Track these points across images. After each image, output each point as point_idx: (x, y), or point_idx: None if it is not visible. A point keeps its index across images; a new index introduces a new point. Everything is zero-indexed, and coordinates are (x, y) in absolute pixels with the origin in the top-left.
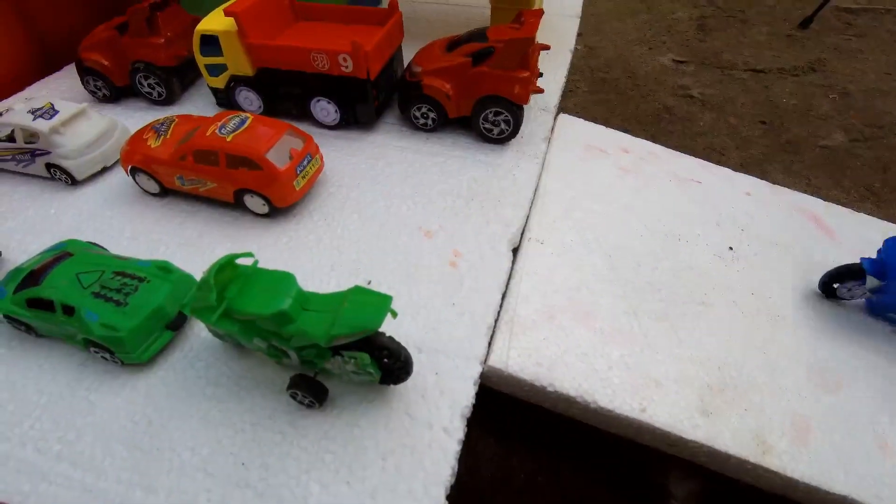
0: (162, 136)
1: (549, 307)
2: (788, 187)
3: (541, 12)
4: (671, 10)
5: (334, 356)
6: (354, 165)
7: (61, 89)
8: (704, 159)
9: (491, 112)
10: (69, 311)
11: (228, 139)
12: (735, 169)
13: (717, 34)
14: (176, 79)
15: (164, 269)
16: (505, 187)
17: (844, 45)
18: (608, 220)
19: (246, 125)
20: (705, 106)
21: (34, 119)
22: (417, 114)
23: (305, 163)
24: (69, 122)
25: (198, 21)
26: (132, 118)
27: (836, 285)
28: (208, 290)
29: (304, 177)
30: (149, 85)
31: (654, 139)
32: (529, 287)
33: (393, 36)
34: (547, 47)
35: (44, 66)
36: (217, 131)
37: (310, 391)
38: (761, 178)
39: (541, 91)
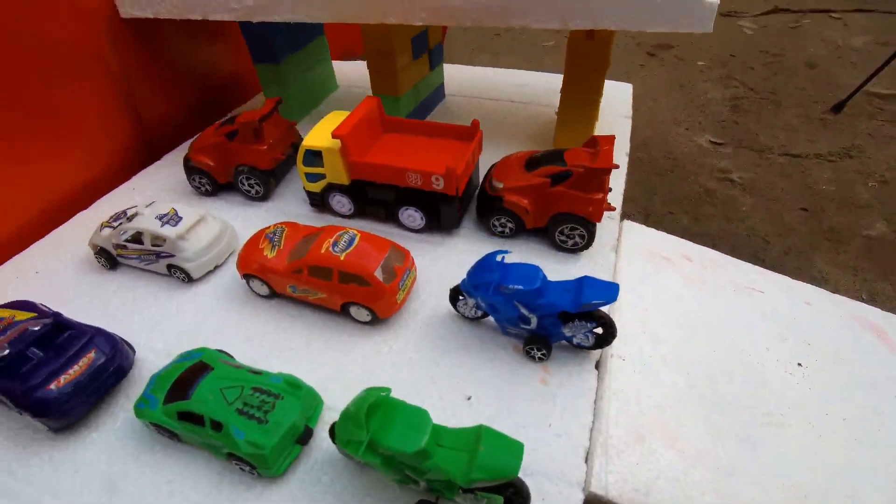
0: (276, 247)
1: (638, 428)
2: (837, 280)
3: (613, 139)
4: (704, 91)
5: (466, 492)
6: (441, 272)
7: (164, 180)
8: (748, 247)
9: (567, 227)
10: (217, 426)
11: (341, 257)
12: (780, 259)
13: (750, 116)
14: (273, 179)
15: (294, 385)
16: None
17: (878, 130)
18: (680, 334)
19: (355, 243)
20: (745, 190)
21: (162, 225)
22: (496, 223)
23: (405, 277)
24: (191, 228)
25: (293, 127)
26: (231, 212)
27: None
28: (359, 428)
29: (403, 290)
30: (249, 184)
31: (697, 223)
32: (617, 407)
33: (475, 153)
34: (616, 166)
35: (146, 156)
36: (330, 248)
37: None
38: (812, 275)
39: (613, 209)
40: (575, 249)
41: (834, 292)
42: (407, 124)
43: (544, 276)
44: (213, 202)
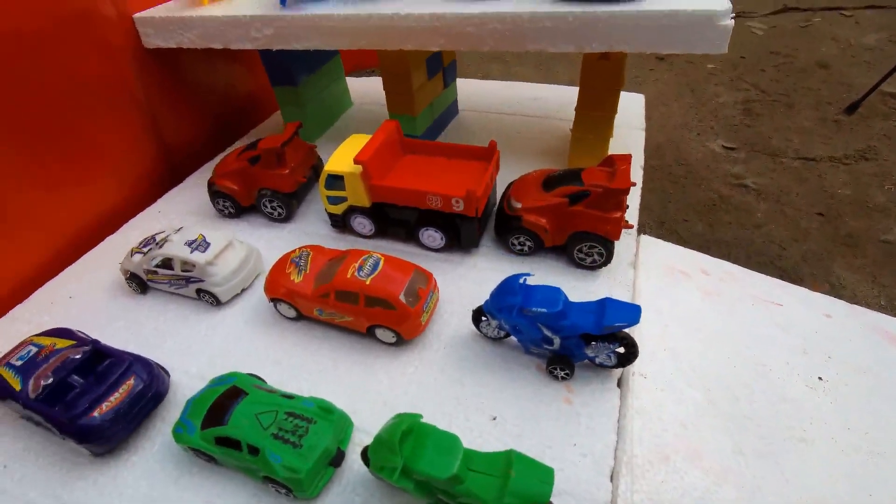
0: (302, 271)
1: (662, 447)
2: (855, 287)
3: (630, 158)
4: (715, 94)
5: None
6: (462, 291)
7: (188, 203)
8: (765, 254)
9: (585, 245)
10: (254, 451)
11: (367, 282)
12: (797, 265)
13: (763, 119)
14: (294, 201)
15: (326, 409)
16: None
17: (894, 131)
18: (700, 348)
19: (380, 268)
20: (760, 196)
21: (191, 252)
22: (515, 242)
23: (429, 299)
24: (219, 253)
25: (312, 150)
26: (254, 234)
27: None
28: (393, 454)
29: (427, 312)
30: (272, 207)
31: (712, 229)
32: (641, 426)
33: (493, 173)
34: (633, 184)
35: (169, 179)
36: (356, 273)
37: None
38: (829, 282)
39: (630, 227)
40: (594, 267)
41: (852, 299)
42: (425, 146)
43: (566, 298)
44: (237, 224)
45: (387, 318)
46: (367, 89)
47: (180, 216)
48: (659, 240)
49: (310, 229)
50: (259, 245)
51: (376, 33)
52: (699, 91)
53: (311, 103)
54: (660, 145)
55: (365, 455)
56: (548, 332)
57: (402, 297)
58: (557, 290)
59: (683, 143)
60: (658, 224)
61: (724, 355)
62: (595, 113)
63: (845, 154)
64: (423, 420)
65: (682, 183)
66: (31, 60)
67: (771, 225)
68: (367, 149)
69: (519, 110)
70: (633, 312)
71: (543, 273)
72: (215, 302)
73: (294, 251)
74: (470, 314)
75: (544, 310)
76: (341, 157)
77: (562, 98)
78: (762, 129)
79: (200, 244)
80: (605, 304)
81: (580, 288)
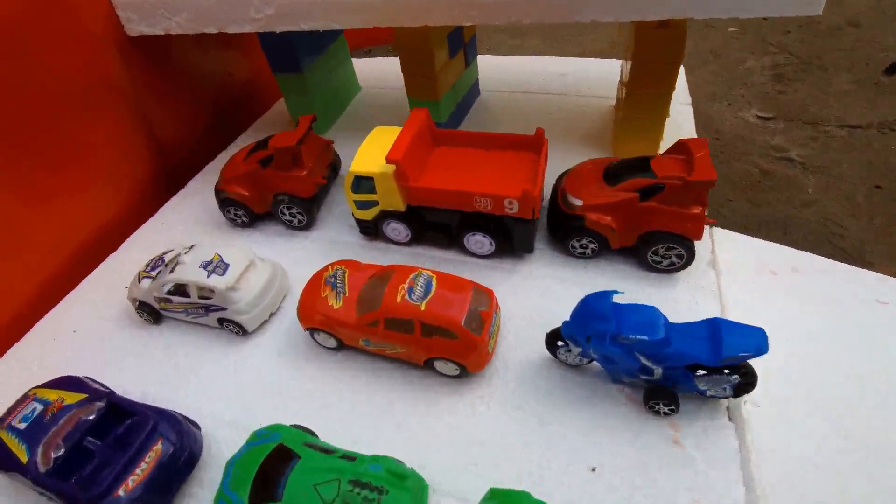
0: (340, 294)
1: (800, 497)
2: None
3: (706, 144)
4: (741, 59)
5: None
6: (522, 303)
7: (193, 211)
8: (823, 234)
9: (662, 247)
10: None
11: (422, 307)
12: (860, 246)
13: (796, 85)
14: (315, 206)
15: (398, 475)
16: None
17: None
18: (813, 366)
19: (434, 288)
20: (806, 169)
21: (209, 276)
22: (576, 244)
23: (493, 322)
24: (241, 276)
25: (329, 146)
26: (273, 245)
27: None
28: None
29: (493, 337)
30: (291, 214)
31: (759, 208)
32: (769, 470)
33: (544, 167)
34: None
35: (168, 184)
36: (407, 297)
37: None
38: None
39: (713, 223)
40: (670, 270)
41: None
42: (460, 136)
43: (666, 320)
44: (251, 234)
45: (449, 350)
46: (373, 70)
47: (187, 228)
48: (734, 233)
49: (335, 237)
50: (280, 259)
51: (395, 6)
52: (723, 57)
53: (318, 91)
54: None
55: None
56: (647, 363)
57: (464, 324)
58: (655, 312)
59: (714, 115)
60: None
61: (843, 373)
62: (650, 90)
63: (894, 120)
64: (511, 479)
65: (719, 157)
66: None
67: (824, 202)
68: (399, 145)
69: (546, 88)
70: (756, 338)
71: (609, 278)
72: (241, 332)
73: (326, 268)
74: (537, 331)
75: (645, 337)
76: (368, 155)
77: (593, 72)
78: (797, 95)
79: (218, 265)
80: (718, 326)
81: (663, 299)
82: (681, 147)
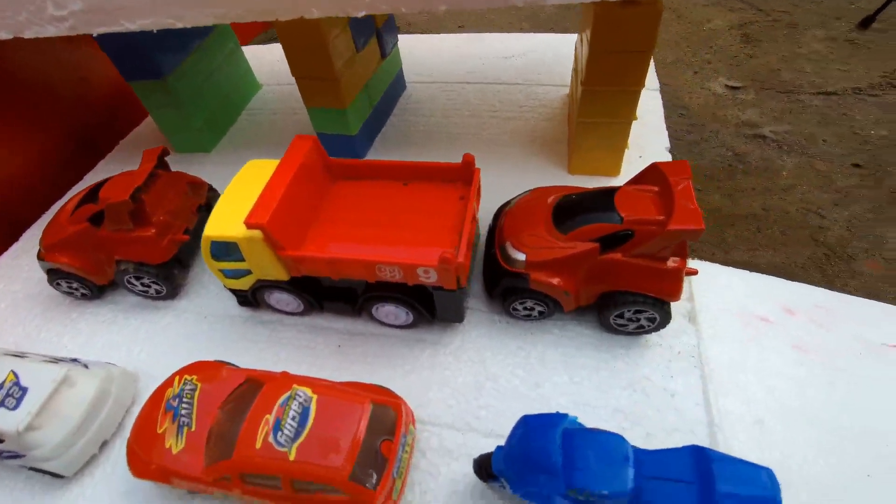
0: (184, 428)
1: None
2: None
3: (687, 169)
4: (706, 18)
5: None
6: (448, 398)
7: (23, 277)
8: (804, 228)
9: (628, 310)
10: None
11: (291, 456)
12: (844, 238)
13: (766, 46)
14: (178, 270)
15: None
16: (667, 422)
17: None
18: (818, 456)
19: (310, 420)
20: (782, 148)
21: None
22: (519, 307)
23: (401, 452)
24: (45, 406)
25: (197, 185)
26: (124, 324)
27: None
28: None
29: (401, 475)
30: (143, 284)
31: (734, 201)
32: None
33: (475, 208)
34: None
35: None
36: (271, 439)
37: None
38: (885, 257)
39: (694, 273)
40: (639, 333)
41: None
42: (364, 167)
43: (636, 454)
44: (97, 310)
45: None
46: (280, 60)
47: (15, 303)
48: (715, 264)
49: (210, 308)
50: (133, 346)
51: None
52: (687, 16)
53: (193, 99)
54: None
55: None
56: None
57: (353, 476)
58: (619, 443)
59: (680, 87)
60: None
61: (848, 453)
62: (612, 87)
63: (870, 83)
64: None
65: (686, 140)
66: None
67: (802, 186)
68: (266, 200)
69: (489, 75)
70: (761, 486)
71: (564, 349)
72: (57, 477)
73: (172, 380)
74: (468, 439)
75: (605, 491)
76: (230, 209)
77: (547, 52)
78: (767, 58)
79: (10, 393)
80: (707, 461)
81: (631, 376)
82: (654, 173)
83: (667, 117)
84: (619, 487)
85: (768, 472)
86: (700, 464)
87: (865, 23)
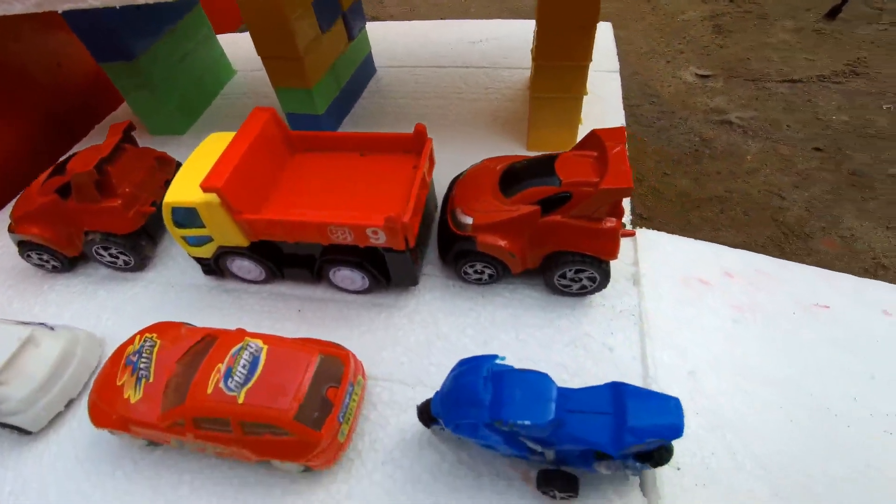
0: (143, 380)
1: None
2: (870, 238)
3: (624, 132)
4: (679, 10)
5: None
6: (400, 357)
7: None
8: (765, 208)
9: (569, 270)
10: None
11: (240, 398)
12: (803, 219)
13: (737, 36)
14: (146, 241)
15: None
16: (605, 374)
17: (882, 38)
18: (744, 403)
19: (260, 368)
20: (747, 134)
21: None
22: (469, 270)
23: (347, 400)
24: (9, 363)
25: (164, 160)
26: (97, 295)
27: None
28: None
29: (347, 422)
30: (111, 255)
31: (699, 184)
32: None
33: (427, 175)
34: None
35: None
36: (221, 384)
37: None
38: (841, 235)
39: (632, 234)
40: (583, 293)
41: (870, 255)
42: (323, 139)
43: (559, 392)
44: (68, 281)
45: (281, 450)
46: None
47: None
48: (661, 233)
49: (177, 278)
50: (103, 315)
51: None
52: (661, 9)
53: (166, 83)
54: (625, 80)
55: None
56: (535, 447)
57: (298, 417)
58: (544, 382)
59: (652, 76)
60: (636, 182)
61: (776, 407)
62: (560, 62)
63: (834, 71)
64: None
65: (656, 126)
66: None
67: (766, 169)
68: (223, 164)
69: (457, 60)
70: (669, 414)
71: (515, 306)
72: (23, 433)
73: (133, 339)
74: (417, 394)
75: (527, 422)
76: (191, 176)
77: (513, 38)
78: (737, 48)
79: None
80: (623, 395)
81: (574, 332)
82: (593, 140)
83: (638, 105)
84: (540, 419)
85: (676, 402)
86: (617, 397)
87: (832, 14)
